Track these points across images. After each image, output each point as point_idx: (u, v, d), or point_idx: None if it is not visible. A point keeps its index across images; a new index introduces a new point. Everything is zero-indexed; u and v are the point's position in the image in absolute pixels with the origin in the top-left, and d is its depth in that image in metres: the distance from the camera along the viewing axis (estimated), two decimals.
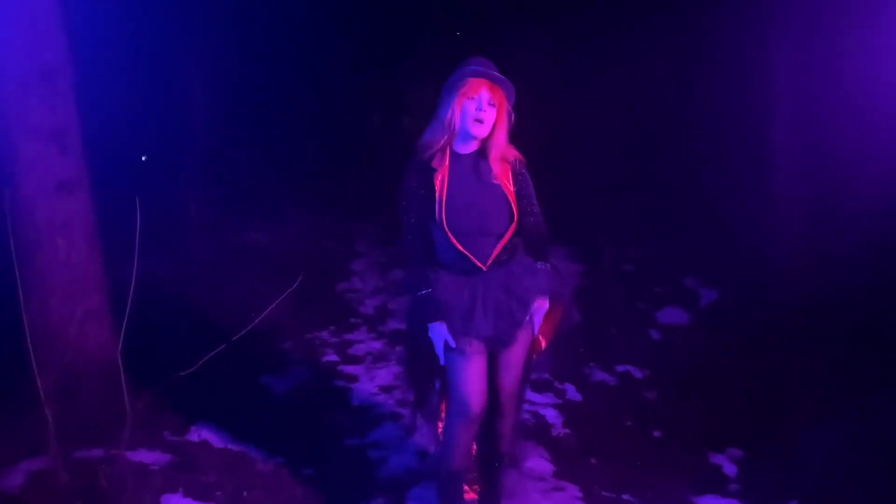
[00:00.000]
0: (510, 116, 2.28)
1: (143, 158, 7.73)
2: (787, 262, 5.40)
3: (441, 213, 2.22)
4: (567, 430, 3.39)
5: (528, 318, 2.31)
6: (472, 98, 2.21)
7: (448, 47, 9.43)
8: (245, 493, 2.66)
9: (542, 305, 2.33)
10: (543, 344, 2.40)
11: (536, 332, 2.35)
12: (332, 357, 4.19)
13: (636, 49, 7.35)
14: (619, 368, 4.17)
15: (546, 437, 3.29)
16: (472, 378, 2.30)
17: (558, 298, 2.38)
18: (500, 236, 2.26)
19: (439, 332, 2.27)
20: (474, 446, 2.53)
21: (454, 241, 2.23)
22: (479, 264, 2.26)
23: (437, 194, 2.24)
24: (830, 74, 4.98)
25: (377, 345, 4.43)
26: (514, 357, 2.36)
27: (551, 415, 3.53)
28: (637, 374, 4.12)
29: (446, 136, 2.26)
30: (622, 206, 7.46)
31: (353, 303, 5.31)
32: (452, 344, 2.26)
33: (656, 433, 3.42)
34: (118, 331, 2.94)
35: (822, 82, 5.11)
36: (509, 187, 2.27)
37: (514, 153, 2.34)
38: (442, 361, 2.32)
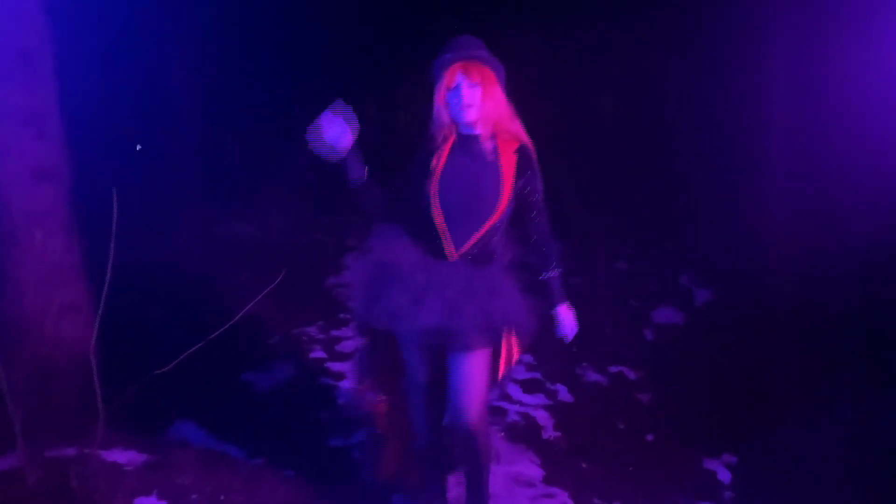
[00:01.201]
0: (501, 88, 2.16)
1: (138, 147, 7.58)
2: (783, 261, 5.34)
3: (433, 185, 2.14)
4: (558, 433, 3.30)
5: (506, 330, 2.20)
6: (451, 87, 2.12)
7: (445, 39, 9.31)
8: (222, 497, 2.56)
9: (564, 313, 2.28)
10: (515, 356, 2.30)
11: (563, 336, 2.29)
12: (318, 353, 4.09)
13: (634, 47, 7.26)
14: (613, 369, 4.09)
15: (536, 440, 3.20)
16: (427, 388, 2.28)
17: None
18: (483, 222, 2.14)
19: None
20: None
21: (438, 217, 2.13)
22: (451, 250, 2.14)
23: (432, 167, 2.16)
24: (826, 73, 4.91)
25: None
26: (470, 367, 2.19)
27: (542, 416, 3.44)
28: (630, 375, 4.04)
29: (444, 130, 2.18)
30: (616, 202, 7.38)
31: (342, 298, 5.20)
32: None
33: (649, 437, 3.34)
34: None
35: (819, 81, 5.04)
36: (508, 169, 2.15)
37: (519, 132, 2.22)
38: None
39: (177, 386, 3.14)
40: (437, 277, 2.16)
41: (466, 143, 2.19)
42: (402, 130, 11.76)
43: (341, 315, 4.78)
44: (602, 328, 4.67)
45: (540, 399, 3.63)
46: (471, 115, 2.13)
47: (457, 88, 2.11)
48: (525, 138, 2.23)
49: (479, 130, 2.18)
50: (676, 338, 4.67)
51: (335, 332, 4.45)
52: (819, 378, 3.76)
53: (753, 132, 5.68)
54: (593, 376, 4.01)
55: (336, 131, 2.06)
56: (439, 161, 2.17)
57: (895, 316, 4.08)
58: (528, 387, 3.72)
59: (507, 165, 2.16)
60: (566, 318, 2.30)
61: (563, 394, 3.73)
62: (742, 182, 6.06)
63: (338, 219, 7.84)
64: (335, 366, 3.92)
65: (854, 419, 3.32)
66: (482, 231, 2.14)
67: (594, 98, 7.79)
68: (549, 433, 3.30)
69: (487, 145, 2.17)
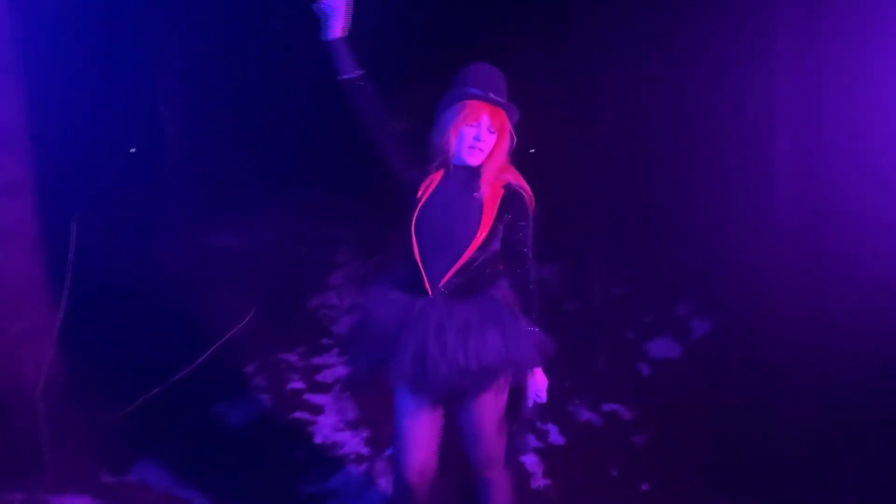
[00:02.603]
0: (512, 138, 2.04)
1: (132, 150, 7.34)
2: (788, 291, 5.15)
3: (414, 214, 2.02)
4: (548, 481, 3.10)
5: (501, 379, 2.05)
6: (472, 125, 1.98)
7: (439, 46, 9.10)
8: None
9: (535, 377, 2.10)
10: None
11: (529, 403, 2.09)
12: (297, 384, 3.88)
13: (632, 66, 7.10)
14: (606, 407, 3.89)
15: (525, 490, 3.00)
16: (415, 437, 2.11)
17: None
18: (457, 257, 2.00)
19: None
20: None
21: (415, 248, 2.01)
22: (426, 286, 2.01)
23: (418, 195, 2.03)
24: (835, 95, 4.75)
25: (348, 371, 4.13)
26: (480, 417, 2.07)
27: (532, 462, 3.24)
28: (625, 414, 3.84)
29: (441, 159, 2.04)
30: (613, 225, 7.21)
31: (327, 321, 5.00)
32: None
33: (644, 486, 3.14)
34: (63, 351, 2.64)
35: (826, 104, 4.89)
36: (491, 201, 2.02)
37: (514, 177, 2.08)
38: None
39: (139, 420, 2.95)
40: (411, 316, 2.02)
41: (458, 174, 2.05)
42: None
43: (323, 340, 4.59)
44: (595, 361, 4.48)
45: (530, 441, 3.42)
46: (476, 159, 2.02)
47: (476, 127, 1.98)
48: (523, 183, 2.09)
49: (476, 163, 2.05)
50: (672, 374, 4.48)
51: (316, 360, 4.24)
52: (831, 419, 3.57)
53: (757, 155, 5.51)
54: (586, 415, 3.81)
55: (336, 5, 1.99)
56: (426, 191, 2.04)
57: None
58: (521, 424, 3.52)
59: (491, 199, 2.03)
60: (539, 383, 2.15)
61: (555, 435, 3.54)
62: (744, 206, 5.90)
63: (328, 232, 7.62)
64: (314, 398, 3.72)
65: (869, 465, 3.15)
66: (458, 265, 2.00)
67: (590, 119, 7.63)
68: (539, 481, 3.10)
69: (484, 178, 2.03)
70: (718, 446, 3.45)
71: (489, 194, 2.02)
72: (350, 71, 2.05)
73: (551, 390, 3.51)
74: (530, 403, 2.15)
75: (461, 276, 2.01)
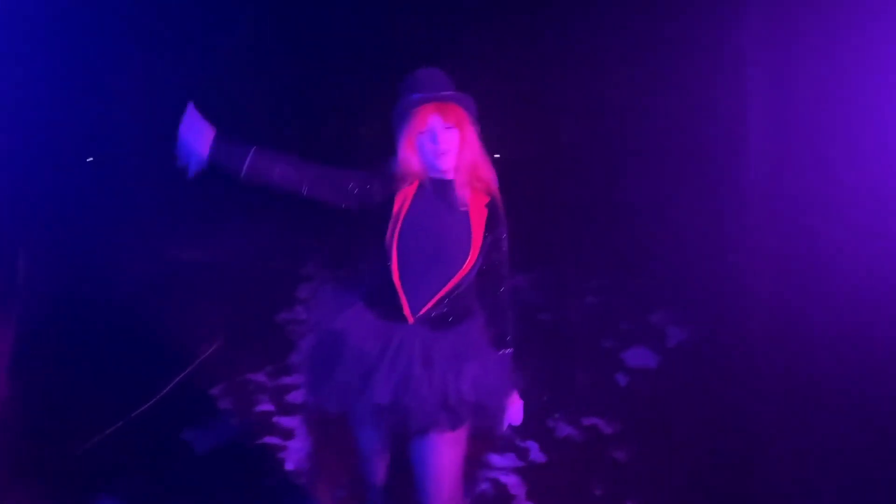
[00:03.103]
0: (476, 130, 1.89)
1: (89, 160, 7.03)
2: (762, 298, 5.15)
3: (393, 233, 1.84)
4: (531, 503, 2.99)
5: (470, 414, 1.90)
6: (423, 131, 1.82)
7: (411, 46, 8.96)
8: None
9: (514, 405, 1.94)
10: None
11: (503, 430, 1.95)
12: (266, 406, 3.71)
13: (605, 73, 7.09)
14: (586, 421, 3.80)
15: None
16: (385, 475, 2.06)
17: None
18: (446, 282, 1.85)
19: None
20: None
21: (395, 273, 1.84)
22: (407, 312, 1.85)
23: (394, 212, 1.85)
24: (812, 103, 4.76)
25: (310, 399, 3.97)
26: (436, 453, 1.90)
27: (513, 483, 3.12)
28: (605, 428, 3.75)
29: (411, 177, 1.88)
30: (585, 232, 7.18)
31: (296, 337, 4.82)
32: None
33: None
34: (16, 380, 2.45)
35: (800, 112, 4.90)
36: (478, 221, 1.87)
37: (491, 181, 1.94)
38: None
39: (99, 453, 2.77)
40: (391, 345, 1.86)
41: (436, 188, 1.89)
42: (365, 142, 11.36)
43: (293, 358, 4.41)
44: (574, 372, 4.40)
45: (510, 460, 3.31)
46: (448, 162, 1.85)
47: (430, 132, 1.82)
48: (495, 190, 1.95)
49: (452, 175, 1.89)
50: (649, 383, 4.42)
51: (285, 380, 4.07)
52: (813, 425, 3.53)
53: (731, 161, 5.52)
54: (566, 430, 3.71)
55: (194, 136, 1.83)
56: (403, 207, 1.86)
57: (884, 348, 3.90)
58: (498, 446, 3.40)
59: (478, 217, 1.88)
60: (513, 409, 1.99)
61: (535, 452, 3.43)
62: (716, 213, 5.90)
63: (294, 243, 7.42)
64: (284, 421, 3.55)
65: (852, 471, 3.11)
66: (444, 290, 1.85)
67: (564, 126, 7.59)
68: (521, 503, 2.98)
69: (460, 193, 1.88)
70: (701, 458, 3.39)
71: (474, 207, 1.87)
72: (243, 162, 1.86)
73: (530, 406, 3.40)
74: (505, 427, 2.00)
75: (445, 302, 1.87)
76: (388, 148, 1.93)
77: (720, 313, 5.15)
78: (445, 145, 1.82)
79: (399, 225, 1.85)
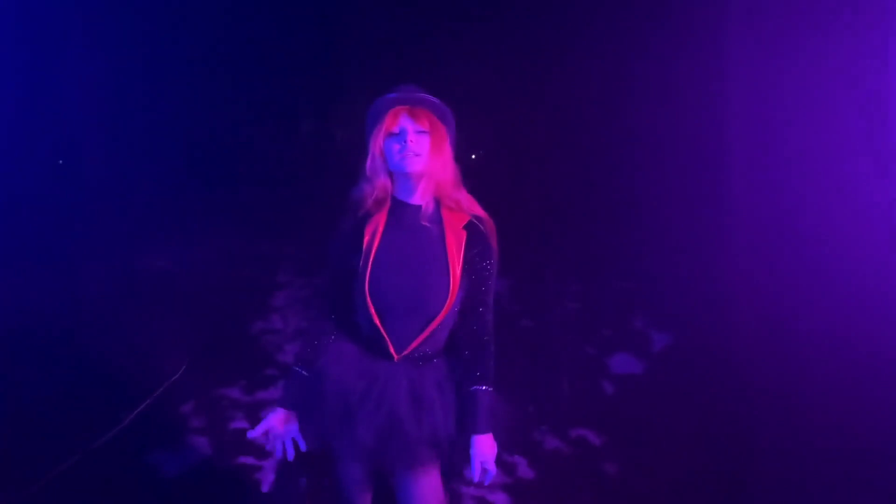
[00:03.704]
0: (451, 147, 1.76)
1: (60, 162, 6.74)
2: (745, 300, 5.09)
3: (365, 273, 1.70)
4: None
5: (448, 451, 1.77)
6: (393, 133, 1.70)
7: (387, 47, 8.78)
8: None
9: (483, 445, 1.75)
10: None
11: (475, 476, 1.77)
12: (240, 423, 3.53)
13: (589, 71, 7.00)
14: (573, 433, 3.69)
15: None
16: (353, 485, 1.90)
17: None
18: (430, 320, 1.72)
19: (274, 421, 1.81)
20: None
21: (373, 313, 1.71)
22: (391, 351, 1.73)
23: (364, 246, 1.72)
24: (793, 105, 4.72)
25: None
26: (421, 486, 1.78)
27: (501, 501, 3.00)
28: (594, 439, 3.64)
29: (377, 191, 1.74)
30: (562, 237, 7.09)
31: (271, 348, 4.64)
32: (303, 447, 1.83)
33: None
34: None
35: (783, 113, 4.85)
36: (455, 247, 1.73)
37: (471, 204, 1.81)
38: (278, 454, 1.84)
39: (60, 483, 2.58)
40: (376, 383, 1.74)
41: (405, 212, 1.75)
42: (338, 146, 11.17)
43: (268, 370, 4.24)
44: (559, 381, 4.29)
45: (498, 477, 3.17)
46: (416, 166, 1.70)
47: (401, 134, 1.69)
48: (479, 211, 1.81)
49: (418, 197, 1.76)
50: (635, 390, 4.33)
51: (261, 394, 3.89)
52: (807, 429, 3.44)
53: (713, 158, 5.46)
54: (553, 442, 3.60)
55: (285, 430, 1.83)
56: (373, 239, 1.72)
57: (874, 351, 3.85)
58: None
59: (455, 242, 1.73)
60: (485, 449, 1.76)
61: (523, 468, 3.30)
62: (696, 214, 5.84)
63: (267, 249, 7.22)
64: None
65: (845, 477, 3.04)
66: (429, 330, 1.72)
67: (541, 126, 7.50)
68: None
69: (431, 215, 1.74)
70: (693, 469, 3.29)
71: (451, 236, 1.72)
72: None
73: (517, 417, 3.29)
74: (476, 474, 1.76)
75: (431, 339, 1.75)
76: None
77: (705, 316, 5.08)
78: (415, 147, 1.69)
79: (371, 259, 1.71)
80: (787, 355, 4.23)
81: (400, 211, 1.76)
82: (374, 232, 1.72)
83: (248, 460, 3.18)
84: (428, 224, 1.74)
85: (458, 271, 1.72)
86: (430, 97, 1.73)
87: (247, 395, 3.88)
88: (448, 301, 1.71)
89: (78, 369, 3.72)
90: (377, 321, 1.71)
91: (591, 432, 3.70)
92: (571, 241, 6.93)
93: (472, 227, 1.76)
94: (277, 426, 1.80)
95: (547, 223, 7.29)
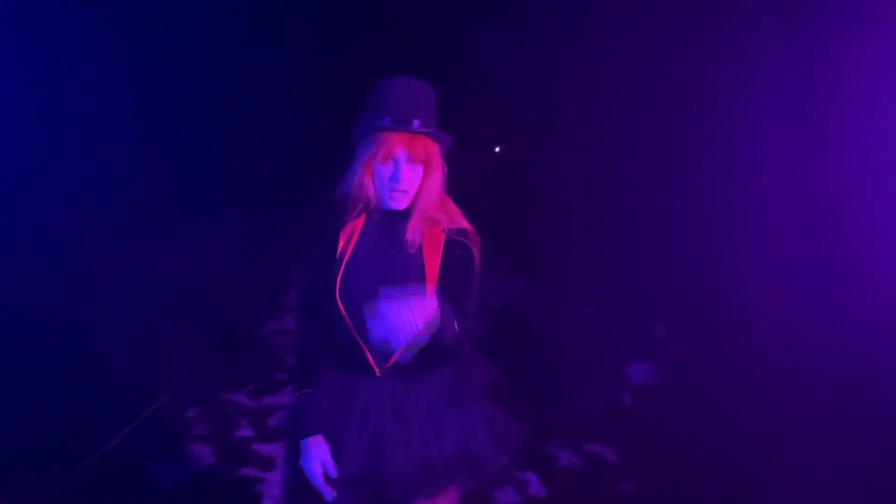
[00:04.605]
0: (443, 169, 1.66)
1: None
2: (771, 305, 4.90)
3: (336, 280, 1.62)
4: None
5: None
6: (386, 162, 1.58)
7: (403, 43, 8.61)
8: None
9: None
10: None
11: None
12: (245, 431, 3.44)
13: (613, 70, 6.82)
14: (589, 448, 3.55)
15: None
16: None
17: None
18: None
19: (315, 453, 1.61)
20: None
21: (349, 323, 1.62)
22: (372, 363, 1.62)
23: (338, 253, 1.64)
24: (820, 107, 4.53)
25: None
26: None
27: None
28: (611, 456, 3.50)
29: (360, 203, 1.65)
30: (579, 238, 6.92)
31: (282, 350, 4.55)
32: (332, 473, 1.61)
33: None
34: None
35: (810, 115, 4.67)
36: (432, 260, 1.63)
37: (454, 215, 1.70)
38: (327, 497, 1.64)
39: (57, 496, 2.50)
40: (357, 403, 1.63)
41: (385, 220, 1.66)
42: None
43: (277, 375, 4.15)
44: (574, 391, 4.15)
45: (510, 495, 3.06)
46: (402, 202, 1.62)
47: (392, 164, 1.58)
48: (463, 222, 1.70)
49: (403, 207, 1.65)
50: (656, 402, 4.17)
51: (268, 400, 3.80)
52: (836, 444, 3.28)
53: (739, 160, 5.27)
54: (567, 458, 3.46)
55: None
56: (347, 245, 1.64)
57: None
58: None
59: (432, 249, 1.64)
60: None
61: (535, 486, 3.17)
62: (717, 217, 5.66)
63: (281, 247, 7.10)
64: (264, 449, 3.28)
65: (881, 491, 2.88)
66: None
67: (558, 130, 7.33)
68: None
69: (411, 224, 1.64)
70: (715, 489, 3.14)
71: (428, 245, 1.63)
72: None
73: (529, 431, 3.16)
74: None
75: (412, 350, 1.63)
76: None
77: (730, 323, 4.89)
78: (406, 184, 1.59)
79: (343, 269, 1.62)
80: (818, 366, 4.05)
81: (381, 218, 1.67)
82: (350, 238, 1.64)
83: (251, 471, 3.09)
84: (407, 229, 1.63)
85: (435, 276, 1.61)
86: (427, 124, 1.59)
87: (254, 399, 3.79)
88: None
89: (83, 371, 3.65)
90: (353, 330, 1.61)
91: (606, 448, 3.56)
92: (587, 242, 6.76)
93: (449, 238, 1.66)
94: (326, 455, 1.62)
95: (562, 223, 7.13)
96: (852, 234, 4.33)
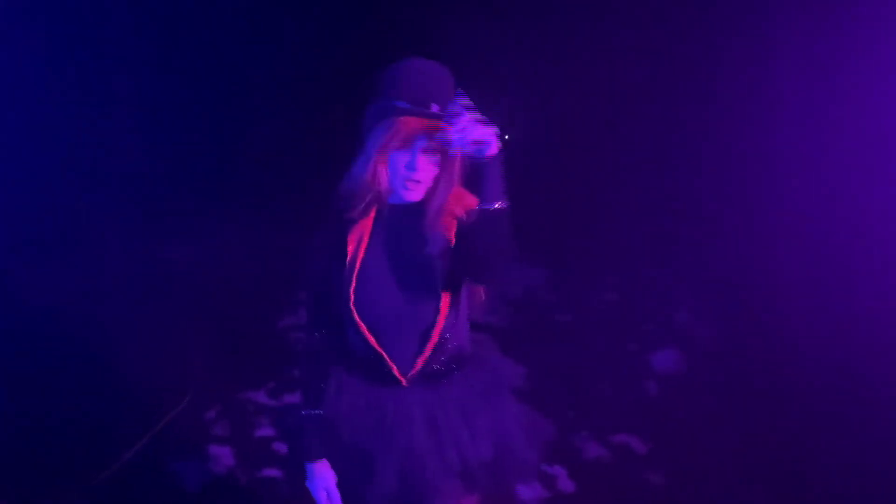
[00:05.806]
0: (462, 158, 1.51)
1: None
2: (798, 291, 4.78)
3: (350, 288, 1.50)
4: None
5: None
6: (402, 149, 1.45)
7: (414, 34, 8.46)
8: None
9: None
10: None
11: None
12: (265, 430, 3.39)
13: (627, 62, 6.67)
14: (616, 439, 3.47)
15: None
16: None
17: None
18: (428, 333, 1.51)
19: (319, 482, 1.56)
20: None
21: (366, 332, 1.51)
22: (396, 374, 1.53)
23: (349, 257, 1.51)
24: (835, 99, 4.40)
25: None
26: None
27: None
28: (638, 446, 3.42)
29: (371, 196, 1.53)
30: (601, 224, 6.80)
31: (298, 346, 4.50)
32: (336, 502, 1.56)
33: None
34: None
35: (825, 106, 4.53)
36: (445, 247, 1.52)
37: (472, 210, 1.59)
38: None
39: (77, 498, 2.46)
40: (386, 417, 1.54)
41: (397, 218, 1.54)
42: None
43: (297, 371, 4.09)
44: (600, 381, 4.07)
45: (536, 491, 2.99)
46: (417, 195, 1.50)
47: (409, 154, 1.45)
48: (468, 199, 1.56)
49: (419, 197, 1.53)
50: (681, 391, 4.08)
51: (288, 398, 3.75)
52: (877, 441, 3.17)
53: (756, 150, 5.15)
54: (595, 450, 3.38)
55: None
56: (358, 250, 1.52)
57: None
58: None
59: (443, 238, 1.52)
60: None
61: (563, 480, 3.10)
62: (741, 202, 5.53)
63: (298, 240, 7.03)
64: (285, 449, 3.23)
65: None
66: (433, 341, 1.51)
67: (578, 117, 7.20)
68: None
69: (427, 221, 1.52)
70: (744, 478, 3.05)
71: (445, 240, 1.52)
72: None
73: (556, 423, 3.06)
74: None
75: (439, 354, 1.54)
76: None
77: (755, 308, 4.79)
78: (422, 173, 1.46)
79: (356, 274, 1.50)
80: (847, 351, 3.94)
81: (391, 213, 1.55)
82: (360, 240, 1.52)
83: (272, 472, 3.04)
84: (422, 223, 1.51)
85: (448, 265, 1.51)
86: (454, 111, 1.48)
87: (273, 398, 3.74)
88: (440, 315, 1.51)
89: (100, 376, 3.61)
90: (372, 341, 1.51)
91: (634, 438, 3.48)
92: (610, 229, 6.64)
93: (460, 226, 1.53)
94: (331, 483, 1.58)
95: (584, 210, 7.02)
96: (884, 220, 4.21)
